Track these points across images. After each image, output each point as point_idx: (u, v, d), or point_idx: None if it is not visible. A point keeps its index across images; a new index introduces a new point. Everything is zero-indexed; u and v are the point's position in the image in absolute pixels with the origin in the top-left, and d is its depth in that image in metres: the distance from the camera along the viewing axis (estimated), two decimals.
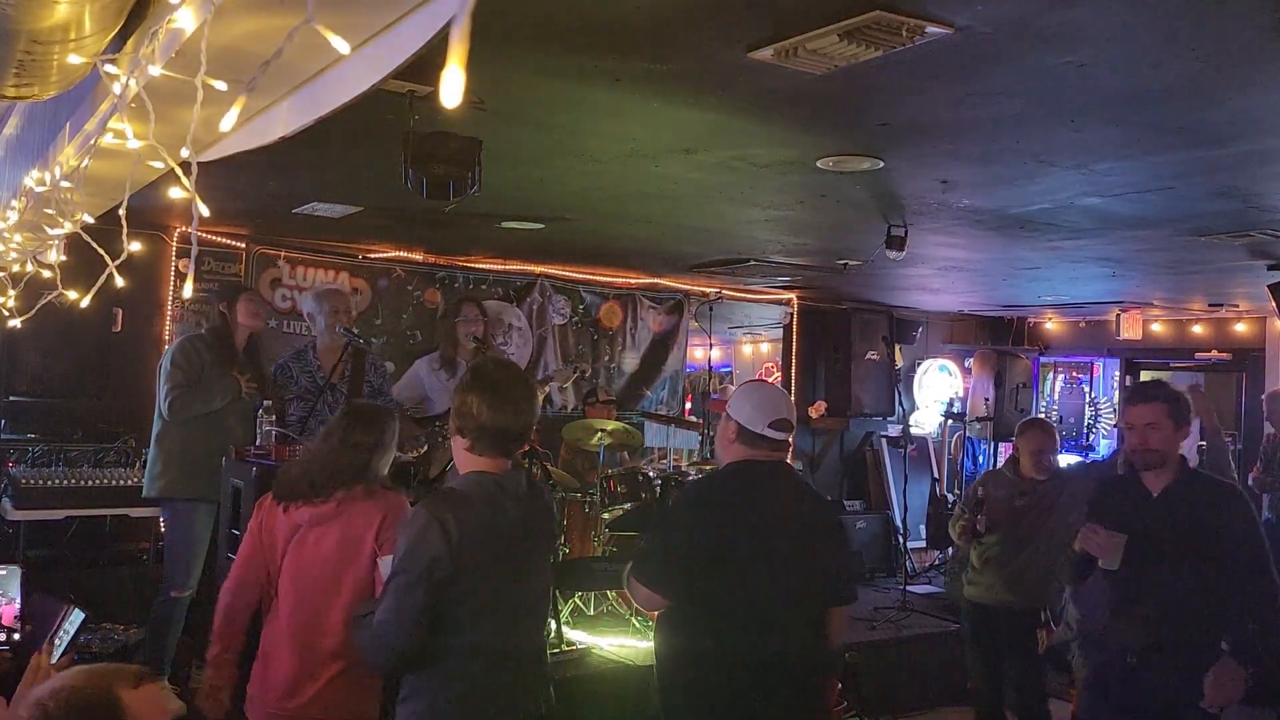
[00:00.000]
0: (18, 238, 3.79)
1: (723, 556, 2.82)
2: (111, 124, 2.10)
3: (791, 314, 9.39)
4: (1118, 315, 9.04)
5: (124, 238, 2.12)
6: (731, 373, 11.68)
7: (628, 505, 5.80)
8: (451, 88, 1.03)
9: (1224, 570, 3.37)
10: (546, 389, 7.22)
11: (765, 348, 11.28)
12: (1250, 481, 6.62)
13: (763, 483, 2.94)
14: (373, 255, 7.37)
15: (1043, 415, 10.26)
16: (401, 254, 7.46)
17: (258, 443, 4.67)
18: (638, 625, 5.50)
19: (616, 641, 5.38)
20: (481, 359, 2.87)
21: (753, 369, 11.59)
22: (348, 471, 3.08)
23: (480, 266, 7.84)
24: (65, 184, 2.67)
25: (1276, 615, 3.37)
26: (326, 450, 3.13)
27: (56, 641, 2.63)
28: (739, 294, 9.05)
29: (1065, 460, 9.34)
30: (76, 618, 2.71)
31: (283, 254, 7.03)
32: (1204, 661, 3.34)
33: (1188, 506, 3.46)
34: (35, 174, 2.92)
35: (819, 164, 4.11)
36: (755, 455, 2.94)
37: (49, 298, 3.31)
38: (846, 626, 3.22)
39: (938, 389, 10.11)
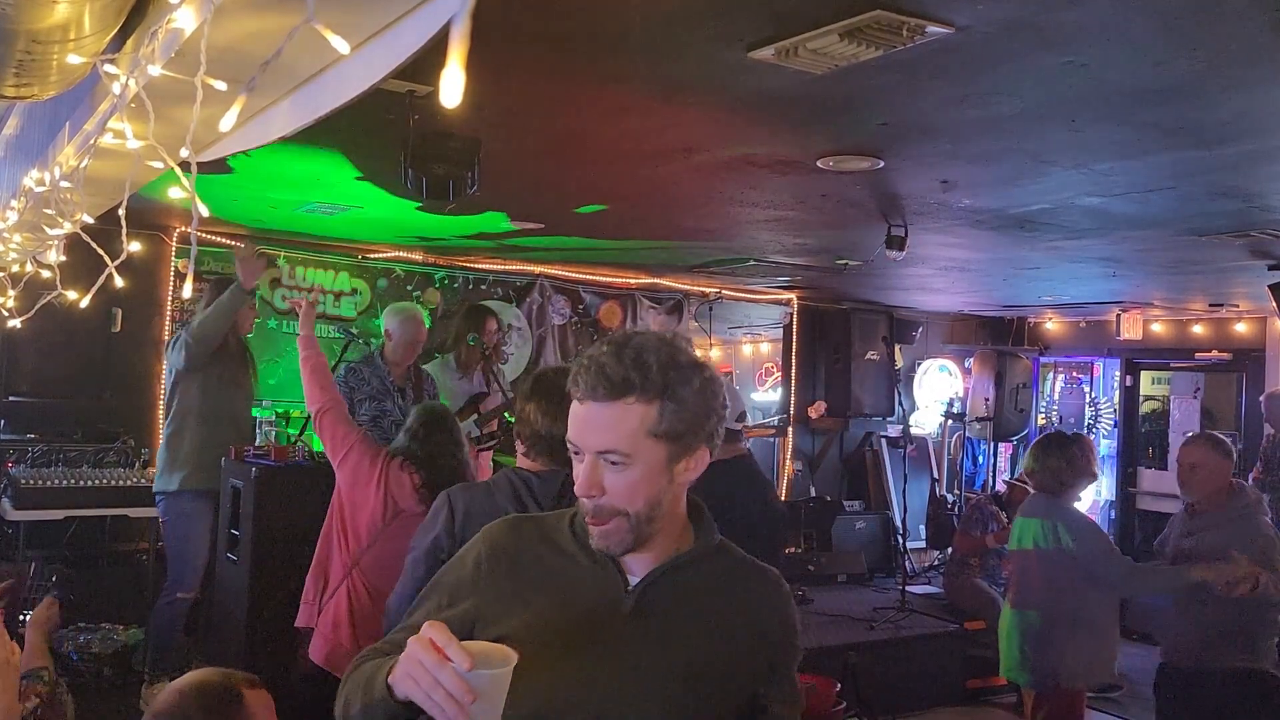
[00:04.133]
0: (17, 238, 3.79)
1: None
2: (111, 124, 2.10)
3: (791, 314, 9.39)
4: (1118, 315, 9.03)
5: (124, 238, 2.12)
6: (732, 374, 11.67)
7: None
8: (451, 88, 1.03)
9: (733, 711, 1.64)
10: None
11: (765, 348, 11.28)
12: (1250, 481, 6.61)
13: (737, 478, 3.12)
14: (373, 255, 7.38)
15: (1043, 416, 10.26)
16: (401, 254, 7.46)
17: (257, 442, 4.66)
18: None
19: None
20: (543, 367, 2.99)
21: (753, 369, 11.59)
22: None
23: (480, 266, 7.84)
24: (65, 184, 2.66)
25: None
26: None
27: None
28: (739, 294, 9.05)
29: None
30: None
31: (283, 254, 7.04)
32: None
33: (685, 606, 1.63)
34: (35, 174, 2.91)
35: (819, 164, 4.11)
36: (725, 453, 3.04)
37: (49, 298, 3.30)
38: None
39: (938, 389, 10.11)
